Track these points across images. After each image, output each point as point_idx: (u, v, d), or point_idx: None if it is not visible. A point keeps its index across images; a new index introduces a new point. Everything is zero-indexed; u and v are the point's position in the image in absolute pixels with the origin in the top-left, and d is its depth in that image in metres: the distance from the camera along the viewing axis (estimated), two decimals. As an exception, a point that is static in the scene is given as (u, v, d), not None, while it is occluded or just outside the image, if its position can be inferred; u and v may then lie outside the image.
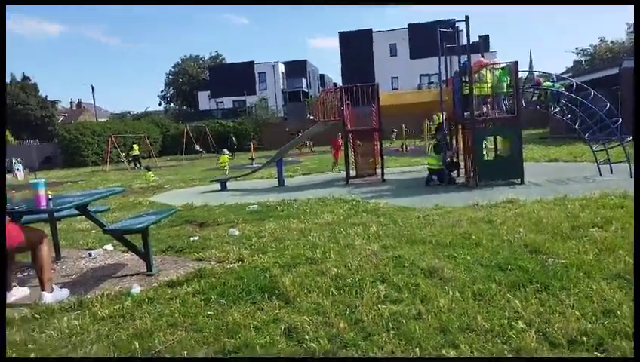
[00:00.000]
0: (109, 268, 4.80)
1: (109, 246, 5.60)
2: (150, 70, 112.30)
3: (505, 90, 9.41)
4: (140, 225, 4.35)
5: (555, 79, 10.74)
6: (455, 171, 10.27)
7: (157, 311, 3.35)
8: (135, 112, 56.86)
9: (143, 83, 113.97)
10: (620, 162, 8.86)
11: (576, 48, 33.51)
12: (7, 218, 3.69)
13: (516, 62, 9.08)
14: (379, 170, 11.46)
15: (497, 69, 9.43)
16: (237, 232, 5.86)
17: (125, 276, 4.45)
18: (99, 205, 6.29)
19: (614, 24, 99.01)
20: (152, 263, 4.45)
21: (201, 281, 3.91)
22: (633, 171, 8.33)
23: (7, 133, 36.17)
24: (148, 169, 16.16)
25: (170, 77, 65.00)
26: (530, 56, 67.38)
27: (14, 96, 43.85)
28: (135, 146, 26.23)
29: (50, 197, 4.02)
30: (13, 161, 22.89)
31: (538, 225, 5.01)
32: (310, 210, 7.12)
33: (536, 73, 12.04)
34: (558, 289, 3.16)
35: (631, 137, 9.60)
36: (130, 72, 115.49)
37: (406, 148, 21.51)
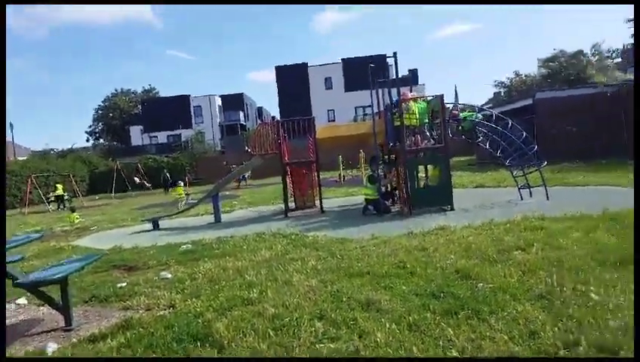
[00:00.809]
0: (22, 325, 4.33)
1: (23, 300, 5.08)
2: (77, 105, 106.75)
3: (428, 122, 9.94)
4: (58, 276, 3.99)
5: (477, 110, 11.53)
6: (391, 200, 10.57)
7: (74, 372, 3.04)
8: (60, 149, 53.41)
9: (69, 118, 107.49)
10: (538, 186, 9.56)
11: (495, 81, 36.41)
12: None
13: (441, 95, 9.66)
14: (318, 202, 11.52)
15: (423, 101, 9.98)
16: (169, 275, 5.56)
17: (40, 333, 4.03)
18: (13, 255, 5.71)
19: (527, 59, 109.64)
20: (71, 316, 4.08)
21: (128, 333, 3.63)
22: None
23: None
24: (72, 210, 15.08)
25: (100, 112, 62.18)
26: (456, 89, 72.30)
27: None
28: (59, 186, 24.51)
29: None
30: None
31: (468, 250, 5.22)
32: (248, 247, 6.94)
33: (459, 105, 12.83)
34: (487, 314, 3.27)
35: (546, 163, 10.45)
36: (56, 108, 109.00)
37: (343, 178, 21.91)
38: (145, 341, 3.40)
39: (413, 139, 9.90)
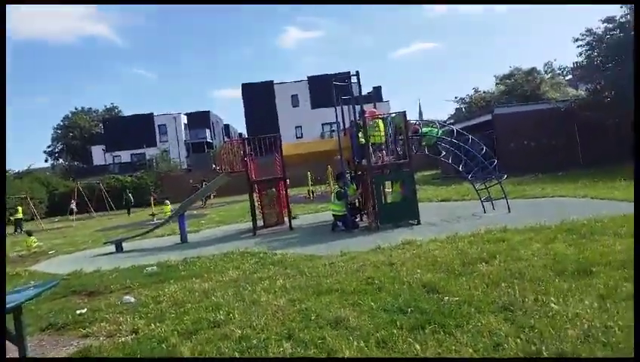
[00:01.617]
0: (-30, 360, 4.06)
1: (-28, 332, 4.76)
2: (35, 125, 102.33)
3: (391, 138, 10.14)
4: (10, 305, 3.77)
5: (438, 126, 11.85)
6: (358, 216, 10.64)
7: (28, 408, 2.87)
8: (16, 171, 50.99)
9: (26, 138, 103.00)
10: (500, 198, 9.87)
11: (456, 97, 37.44)
12: None
13: (404, 112, 9.89)
14: (287, 219, 11.46)
15: (386, 118, 10.19)
16: (132, 299, 5.37)
17: (-9, 367, 3.79)
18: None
19: (485, 77, 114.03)
20: (26, 347, 3.84)
21: (87, 362, 3.47)
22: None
23: None
24: (29, 234, 14.36)
25: (59, 131, 60.09)
26: (420, 105, 74.33)
27: None
28: (19, 208, 23.39)
29: None
30: None
31: (434, 264, 5.31)
32: (215, 268, 6.80)
33: (418, 121, 13.13)
34: (453, 328, 3.32)
35: (506, 176, 10.83)
36: (12, 127, 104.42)
37: (313, 194, 21.93)
38: (105, 370, 3.26)
39: (379, 154, 10.06)
